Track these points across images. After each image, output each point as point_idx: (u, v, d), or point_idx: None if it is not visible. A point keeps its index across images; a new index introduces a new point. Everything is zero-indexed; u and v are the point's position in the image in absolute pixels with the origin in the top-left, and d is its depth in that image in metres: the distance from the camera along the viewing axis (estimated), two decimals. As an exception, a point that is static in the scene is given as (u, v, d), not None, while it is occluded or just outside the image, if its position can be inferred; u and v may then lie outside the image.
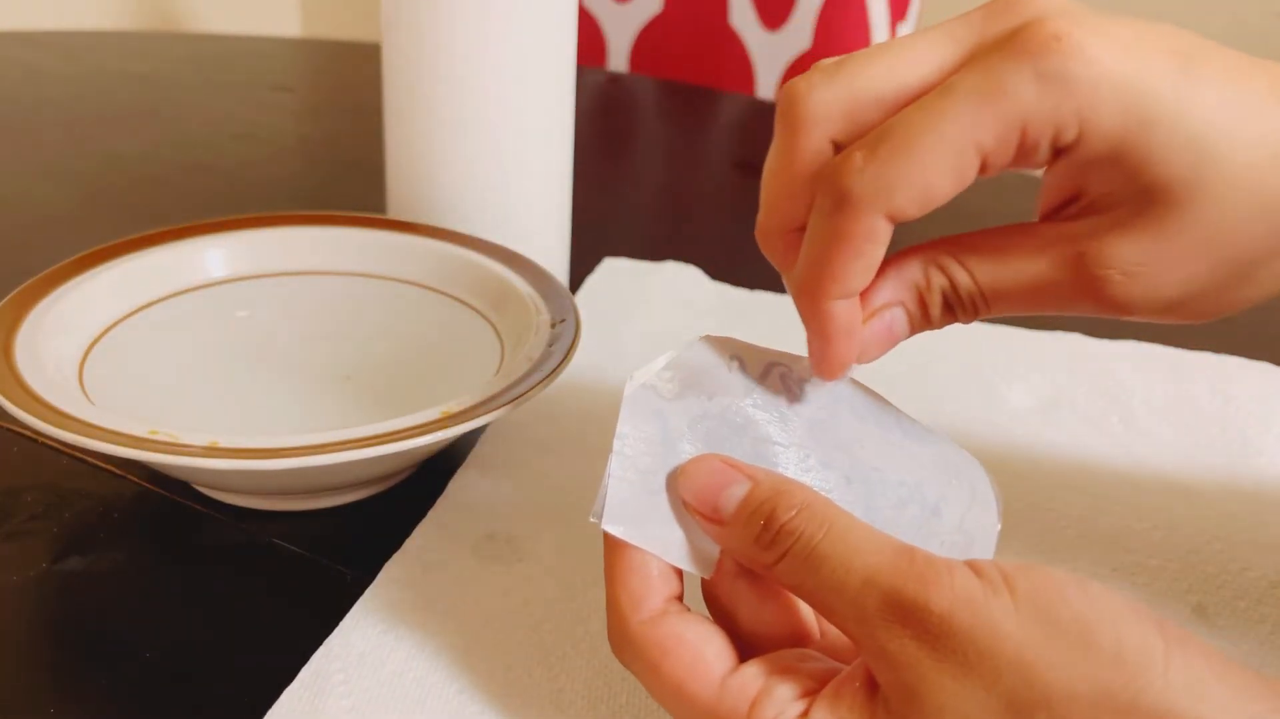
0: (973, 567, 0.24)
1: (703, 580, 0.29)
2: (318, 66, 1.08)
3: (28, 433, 0.43)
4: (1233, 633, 0.36)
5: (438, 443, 0.36)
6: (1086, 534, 0.40)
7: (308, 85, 1.02)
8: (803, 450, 0.30)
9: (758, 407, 0.30)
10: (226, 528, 0.39)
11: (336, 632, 0.34)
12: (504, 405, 0.37)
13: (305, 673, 0.32)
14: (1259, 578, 0.38)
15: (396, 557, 0.37)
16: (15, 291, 0.42)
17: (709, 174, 0.83)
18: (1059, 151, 0.26)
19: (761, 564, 0.27)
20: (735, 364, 0.30)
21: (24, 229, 0.63)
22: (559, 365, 0.39)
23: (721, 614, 0.29)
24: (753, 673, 0.26)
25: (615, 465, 0.29)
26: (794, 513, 0.26)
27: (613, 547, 0.28)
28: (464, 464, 0.42)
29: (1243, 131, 0.26)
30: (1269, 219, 0.26)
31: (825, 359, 0.29)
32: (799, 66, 1.08)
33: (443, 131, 0.51)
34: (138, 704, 0.32)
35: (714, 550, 0.29)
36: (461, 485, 0.41)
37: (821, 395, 0.31)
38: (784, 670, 0.27)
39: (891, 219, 0.26)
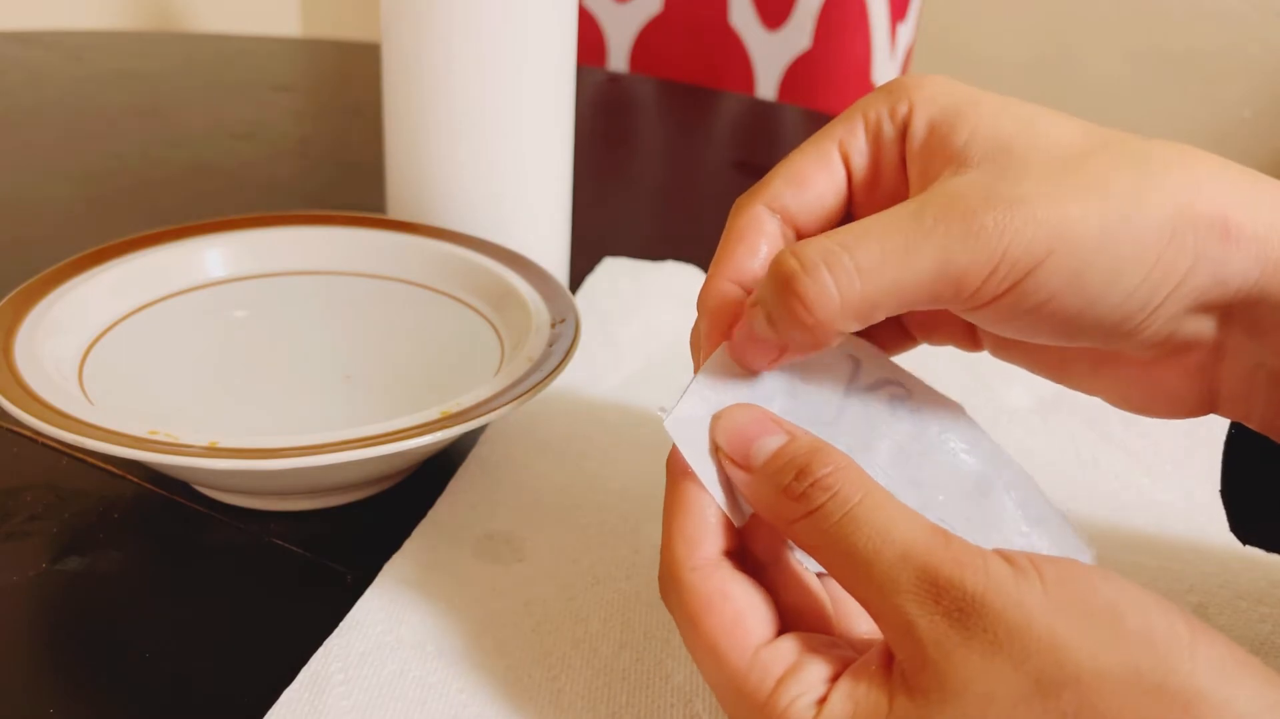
0: (1003, 555, 0.24)
1: (740, 555, 0.29)
2: (318, 66, 1.08)
3: (27, 433, 0.43)
4: (1233, 633, 0.36)
5: (437, 443, 0.36)
6: (1086, 533, 0.40)
7: (308, 85, 1.02)
8: (871, 470, 0.29)
9: (855, 412, 0.29)
10: (226, 528, 0.39)
11: (336, 632, 0.34)
12: (504, 405, 0.37)
13: (305, 673, 0.32)
14: (1259, 577, 0.38)
15: (396, 557, 0.37)
16: (15, 291, 0.42)
17: (709, 174, 0.83)
18: (901, 131, 0.30)
19: (786, 517, 0.26)
20: (852, 364, 0.30)
21: (23, 228, 0.63)
22: (559, 365, 0.39)
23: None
24: (786, 648, 0.26)
25: (700, 380, 0.28)
26: (829, 470, 0.26)
27: (675, 483, 0.28)
28: (464, 464, 0.42)
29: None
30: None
31: (697, 337, 0.30)
32: (799, 66, 1.08)
33: (442, 132, 0.51)
34: (138, 704, 0.32)
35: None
36: (461, 485, 0.41)
37: (927, 429, 0.29)
38: (815, 650, 0.26)
39: (770, 208, 0.30)
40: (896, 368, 0.30)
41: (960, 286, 0.26)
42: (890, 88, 0.30)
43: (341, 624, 0.34)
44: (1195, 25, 1.57)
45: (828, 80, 1.07)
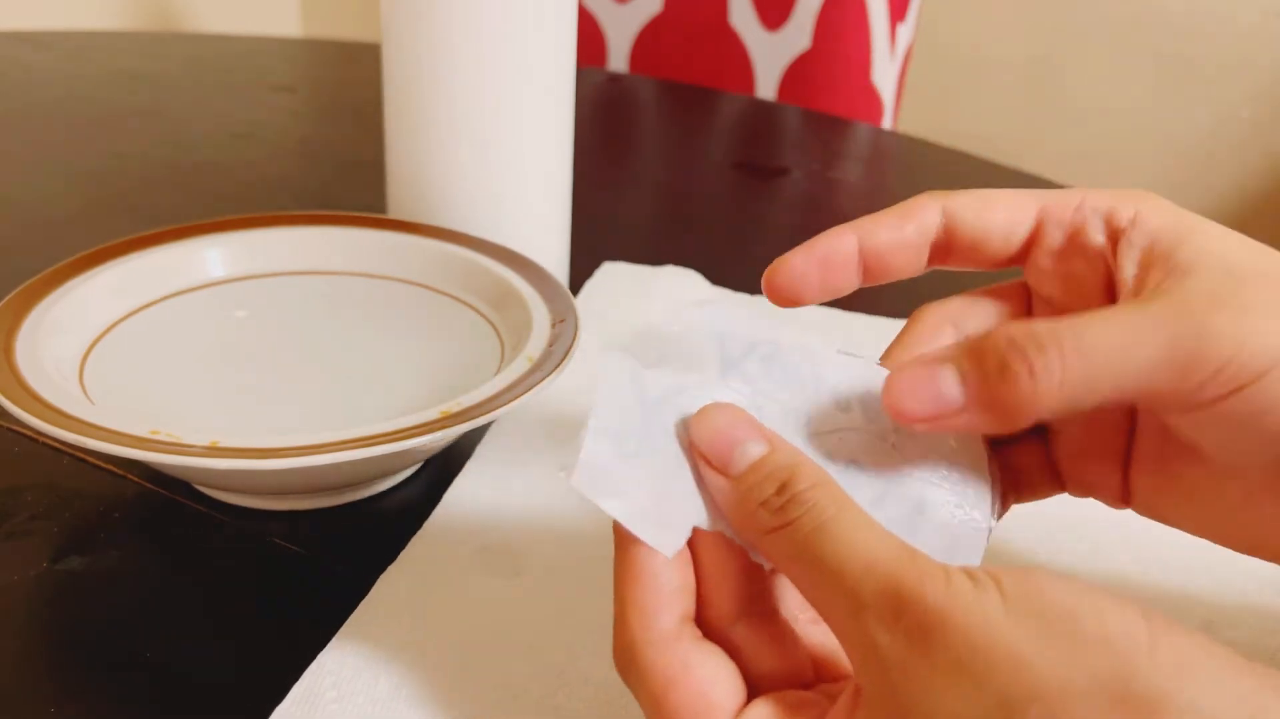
0: (965, 570, 0.24)
1: (699, 620, 0.28)
2: (318, 66, 1.08)
3: (28, 432, 0.43)
4: (1242, 648, 0.35)
5: (438, 443, 0.36)
6: (1092, 545, 0.40)
7: (308, 85, 1.02)
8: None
9: (733, 389, 0.29)
10: (227, 527, 0.39)
11: (329, 647, 0.33)
12: (503, 405, 0.37)
13: (298, 689, 0.32)
14: (1269, 592, 0.38)
15: (391, 569, 0.37)
16: (16, 291, 0.42)
17: (709, 174, 0.83)
18: (1113, 235, 0.30)
19: (759, 528, 0.26)
20: (717, 342, 0.29)
21: (24, 229, 0.63)
22: (559, 365, 0.39)
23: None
24: (755, 716, 0.26)
25: (592, 425, 0.27)
26: (808, 486, 0.26)
27: (623, 548, 0.27)
28: (461, 471, 0.42)
29: None
30: None
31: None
32: (799, 67, 1.08)
33: (442, 132, 0.51)
34: (138, 704, 0.32)
35: (683, 530, 0.27)
36: (458, 495, 0.41)
37: (805, 381, 0.30)
38: (787, 712, 0.26)
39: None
40: (759, 328, 0.30)
41: (1186, 374, 0.25)
42: (1115, 194, 0.30)
43: (335, 638, 0.34)
44: (1193, 26, 1.57)
45: (827, 81, 1.07)
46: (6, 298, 0.41)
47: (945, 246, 0.31)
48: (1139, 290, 0.28)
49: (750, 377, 0.29)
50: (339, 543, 0.39)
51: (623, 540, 0.27)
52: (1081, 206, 0.30)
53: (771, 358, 0.30)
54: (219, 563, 0.38)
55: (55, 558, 0.37)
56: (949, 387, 0.26)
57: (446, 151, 0.51)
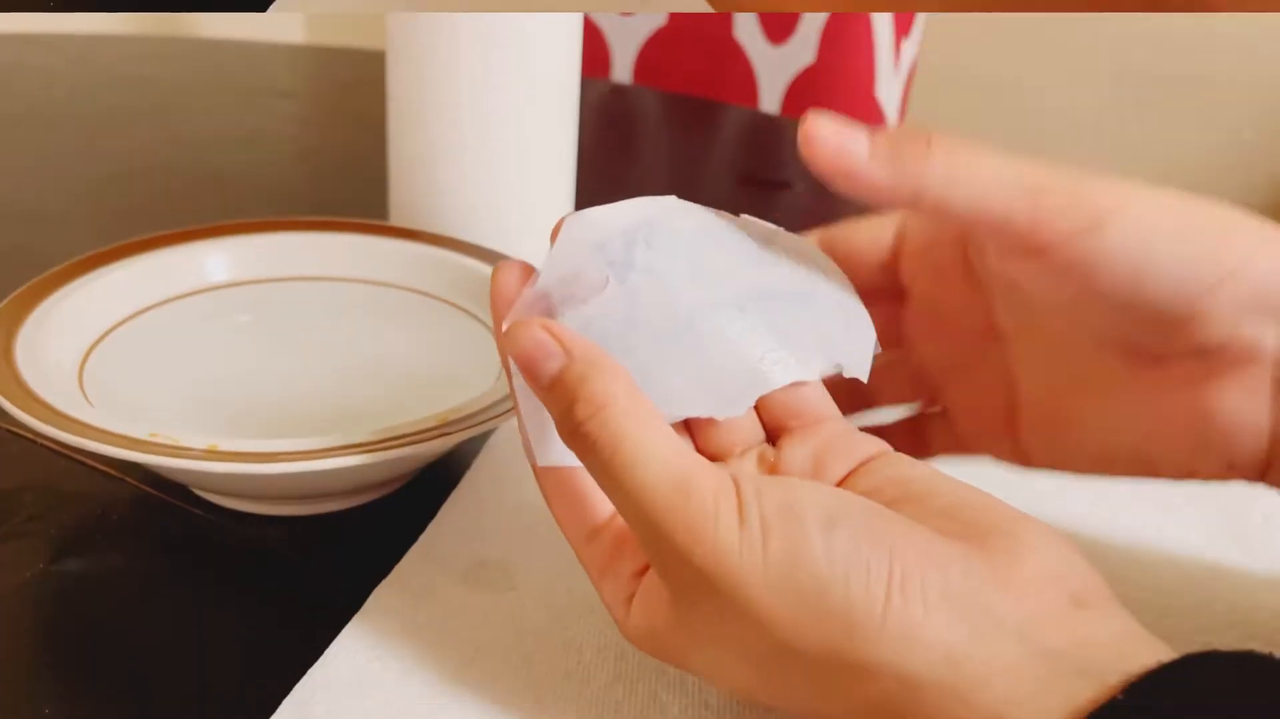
0: (742, 513, 0.25)
1: None
2: (321, 73, 1.08)
3: (27, 434, 0.43)
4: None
5: (437, 450, 0.36)
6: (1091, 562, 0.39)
7: (311, 92, 1.02)
8: (686, 311, 0.30)
9: (634, 288, 0.30)
10: (224, 532, 0.39)
11: (319, 662, 0.33)
12: (503, 414, 0.37)
13: (287, 705, 0.31)
14: (1270, 617, 0.37)
15: (384, 584, 0.36)
16: (16, 293, 0.42)
17: (711, 186, 0.83)
18: None
19: (570, 444, 0.28)
20: (599, 252, 0.30)
21: (26, 231, 0.63)
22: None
23: None
24: (604, 543, 0.29)
25: (521, 405, 0.30)
26: (589, 413, 0.27)
27: (516, 386, 0.30)
28: (458, 486, 0.42)
29: None
30: None
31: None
32: (803, 80, 1.08)
33: (446, 141, 0.51)
34: (134, 706, 0.32)
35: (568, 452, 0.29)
36: (453, 508, 0.40)
37: (694, 238, 0.31)
38: (629, 542, 0.29)
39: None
40: (627, 212, 0.31)
41: (1037, 204, 0.28)
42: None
43: (325, 653, 0.33)
44: (1196, 46, 1.57)
45: (831, 95, 1.07)
46: (7, 299, 0.41)
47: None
48: None
49: (645, 265, 0.30)
50: (336, 549, 0.39)
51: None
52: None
53: (653, 234, 0.30)
54: (216, 567, 0.38)
55: (52, 560, 0.37)
56: (859, 143, 0.29)
57: (450, 160, 0.51)
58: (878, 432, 0.35)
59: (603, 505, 0.29)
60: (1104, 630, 0.25)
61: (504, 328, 0.29)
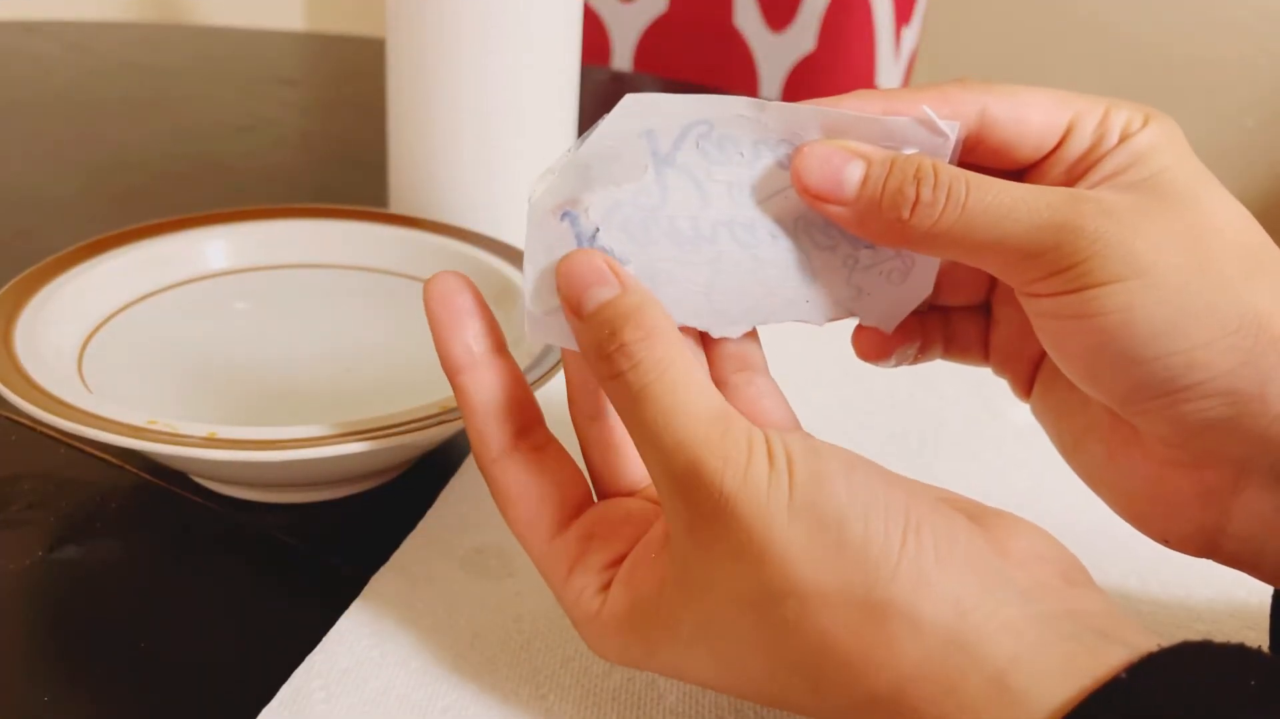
0: (769, 449, 0.25)
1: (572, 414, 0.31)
2: (321, 60, 1.08)
3: (26, 421, 0.43)
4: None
5: (436, 437, 0.36)
6: (1087, 555, 0.40)
7: (311, 79, 1.02)
8: (713, 223, 0.29)
9: (669, 186, 0.29)
10: (224, 519, 0.39)
11: (319, 648, 0.33)
12: (503, 401, 0.37)
13: (286, 690, 0.31)
14: (1268, 606, 0.37)
15: (383, 570, 0.36)
16: (16, 279, 0.42)
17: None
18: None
19: (599, 373, 0.28)
20: (645, 140, 0.29)
21: (25, 217, 0.63)
22: (559, 362, 0.39)
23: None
24: (571, 538, 0.29)
25: (527, 270, 0.29)
26: (637, 337, 0.27)
27: (452, 379, 0.30)
28: (456, 473, 0.42)
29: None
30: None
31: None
32: (803, 68, 1.08)
33: (446, 128, 0.51)
34: (132, 693, 0.32)
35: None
36: (452, 496, 0.41)
37: (744, 150, 0.29)
38: (603, 534, 0.29)
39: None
40: (690, 105, 0.29)
41: (1045, 257, 0.27)
42: (1137, 108, 0.30)
43: (324, 639, 0.33)
44: (1197, 32, 1.57)
45: (831, 83, 1.07)
46: (6, 285, 0.41)
47: (972, 144, 0.30)
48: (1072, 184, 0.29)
49: (686, 166, 0.29)
50: (336, 537, 0.39)
51: (450, 371, 0.30)
52: (1106, 118, 0.30)
53: (706, 137, 0.29)
54: (215, 555, 0.38)
55: (51, 547, 0.37)
56: (850, 178, 0.28)
57: (449, 147, 0.51)
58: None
59: (562, 508, 0.30)
60: (1094, 604, 0.25)
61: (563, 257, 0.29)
